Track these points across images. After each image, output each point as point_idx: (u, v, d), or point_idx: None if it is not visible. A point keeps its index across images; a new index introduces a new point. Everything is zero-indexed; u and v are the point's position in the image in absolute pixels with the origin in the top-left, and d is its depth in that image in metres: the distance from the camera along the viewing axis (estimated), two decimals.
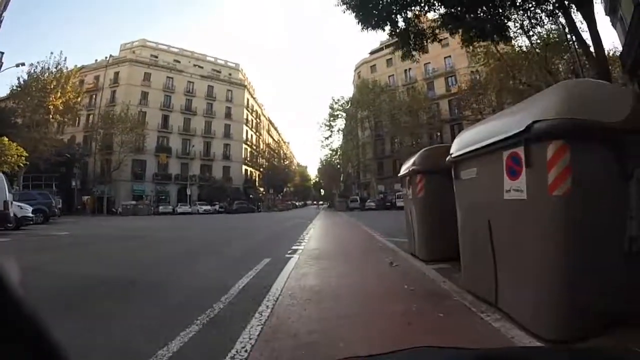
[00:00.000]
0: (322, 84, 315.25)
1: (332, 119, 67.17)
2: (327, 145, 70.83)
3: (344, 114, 67.44)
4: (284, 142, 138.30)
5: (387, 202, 53.35)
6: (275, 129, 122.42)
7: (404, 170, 8.36)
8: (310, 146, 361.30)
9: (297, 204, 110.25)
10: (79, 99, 51.56)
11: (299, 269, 7.00)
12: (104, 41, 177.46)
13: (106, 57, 73.58)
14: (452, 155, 5.08)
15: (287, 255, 8.77)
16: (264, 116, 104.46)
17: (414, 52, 16.59)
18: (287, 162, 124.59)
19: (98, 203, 57.49)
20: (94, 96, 69.05)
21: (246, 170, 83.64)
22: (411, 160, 7.92)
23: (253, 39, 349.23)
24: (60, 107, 47.27)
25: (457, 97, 58.01)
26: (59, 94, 46.68)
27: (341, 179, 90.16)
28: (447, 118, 63.61)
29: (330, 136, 68.64)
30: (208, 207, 60.46)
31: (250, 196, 77.77)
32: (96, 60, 74.67)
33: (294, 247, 10.41)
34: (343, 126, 68.90)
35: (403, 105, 61.41)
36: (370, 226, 18.45)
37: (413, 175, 7.58)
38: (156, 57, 76.61)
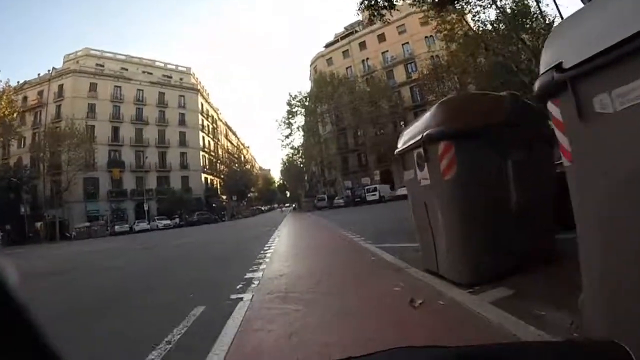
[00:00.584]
0: (279, 84, 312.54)
1: (290, 116, 63.74)
2: (287, 145, 67.25)
3: (303, 110, 64.17)
4: (244, 147, 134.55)
5: (357, 198, 50.38)
6: (234, 133, 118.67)
7: (406, 139, 5.28)
8: (272, 150, 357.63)
9: (263, 208, 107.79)
10: (15, 115, 47.23)
11: (247, 333, 3.76)
12: (47, 55, 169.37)
13: (49, 70, 69.23)
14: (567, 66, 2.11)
15: (235, 296, 5.43)
16: (221, 121, 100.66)
17: (382, 12, 13.67)
18: (249, 166, 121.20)
19: (51, 228, 53.80)
20: (39, 113, 65.31)
21: (206, 178, 79.94)
22: (421, 122, 4.92)
23: (205, 43, 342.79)
24: None
25: (419, 82, 56.18)
26: None
27: (305, 178, 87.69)
28: (410, 105, 61.30)
29: (290, 134, 64.96)
30: (168, 222, 56.43)
31: (213, 205, 74.81)
32: (39, 74, 70.42)
33: (248, 275, 7.06)
34: (303, 123, 65.62)
35: (364, 95, 58.56)
36: (346, 227, 15.38)
37: (430, 145, 4.52)
38: (102, 66, 72.49)
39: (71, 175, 54.38)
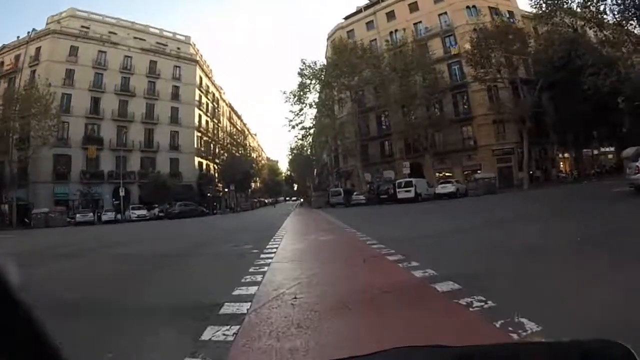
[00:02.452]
0: (291, 71, 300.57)
1: (301, 90, 52.22)
2: (297, 125, 54.19)
3: (317, 86, 52.83)
4: (250, 133, 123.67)
5: (383, 194, 38.99)
6: (239, 117, 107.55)
7: None
8: (282, 142, 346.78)
9: (266, 201, 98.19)
10: None
11: None
12: (35, 18, 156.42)
13: (28, 32, 60.14)
14: None
15: None
16: (224, 101, 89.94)
17: None
18: (255, 154, 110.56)
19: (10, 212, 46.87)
20: (13, 79, 56.52)
21: (200, 163, 69.41)
22: None
23: (220, 28, 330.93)
24: None
25: (460, 57, 47.89)
26: None
27: (315, 170, 77.03)
28: (449, 84, 50.65)
29: (301, 110, 52.78)
30: (144, 213, 46.06)
31: (208, 195, 64.45)
32: (18, 37, 61.09)
33: None
34: (316, 99, 54.19)
35: (397, 65, 47.04)
36: (468, 284, 4.49)
37: None
38: (87, 28, 62.62)
39: (30, 152, 46.04)
